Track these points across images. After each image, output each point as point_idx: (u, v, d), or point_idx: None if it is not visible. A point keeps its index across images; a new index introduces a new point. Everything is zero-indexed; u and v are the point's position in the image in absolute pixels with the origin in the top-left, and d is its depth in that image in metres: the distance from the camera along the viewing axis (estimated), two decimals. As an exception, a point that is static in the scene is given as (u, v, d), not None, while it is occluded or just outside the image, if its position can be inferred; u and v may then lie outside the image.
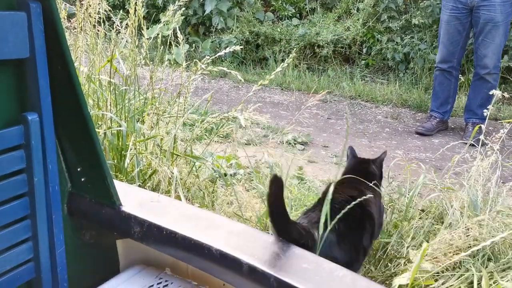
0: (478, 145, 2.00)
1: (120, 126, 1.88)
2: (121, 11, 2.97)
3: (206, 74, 1.96)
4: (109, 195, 1.06)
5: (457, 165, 2.12)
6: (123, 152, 1.85)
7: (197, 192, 1.85)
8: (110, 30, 2.08)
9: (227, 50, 1.97)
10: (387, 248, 1.79)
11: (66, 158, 1.05)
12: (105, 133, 1.87)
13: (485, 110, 2.14)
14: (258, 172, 2.36)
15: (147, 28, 2.20)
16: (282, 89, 4.86)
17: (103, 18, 2.08)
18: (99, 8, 2.03)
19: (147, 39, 2.05)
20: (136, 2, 1.99)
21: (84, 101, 0.98)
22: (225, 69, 1.89)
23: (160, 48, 2.12)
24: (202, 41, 5.65)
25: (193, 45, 5.63)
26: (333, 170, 2.90)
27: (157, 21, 5.14)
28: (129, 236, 1.07)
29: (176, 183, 1.65)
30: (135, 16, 2.00)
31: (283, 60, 1.88)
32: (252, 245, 0.94)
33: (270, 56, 5.32)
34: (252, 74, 5.21)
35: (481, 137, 1.99)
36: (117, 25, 1.99)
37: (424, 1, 4.72)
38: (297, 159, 2.31)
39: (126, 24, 2.08)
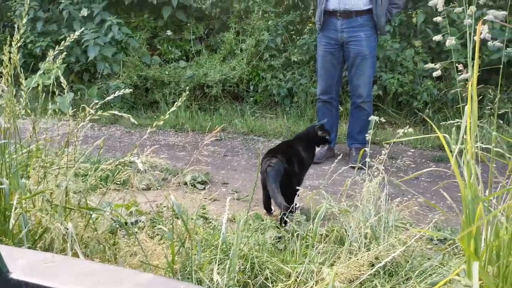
0: (366, 167, 2.18)
1: (1, 184, 1.69)
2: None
3: (95, 121, 1.87)
4: (-7, 263, 0.93)
5: (349, 189, 2.28)
6: (7, 212, 1.65)
7: (96, 247, 1.72)
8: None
9: (116, 94, 1.91)
10: (298, 275, 1.82)
11: None
12: (-17, 194, 1.67)
13: (366, 135, 2.35)
14: (160, 217, 2.28)
15: (26, 78, 2.05)
16: (176, 131, 4.82)
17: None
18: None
19: (26, 88, 1.91)
20: (10, 50, 1.85)
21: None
22: (116, 112, 1.82)
23: (42, 97, 1.98)
24: (88, 88, 5.42)
25: (79, 92, 5.37)
26: (236, 206, 2.92)
27: (36, 70, 4.83)
28: (23, 306, 0.94)
29: (72, 240, 1.52)
30: (10, 64, 1.86)
31: (174, 103, 1.88)
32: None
33: (161, 99, 5.28)
34: (144, 118, 5.10)
35: (367, 159, 2.17)
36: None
37: (300, 40, 5.11)
38: (199, 199, 2.28)
39: (1, 73, 1.92)
